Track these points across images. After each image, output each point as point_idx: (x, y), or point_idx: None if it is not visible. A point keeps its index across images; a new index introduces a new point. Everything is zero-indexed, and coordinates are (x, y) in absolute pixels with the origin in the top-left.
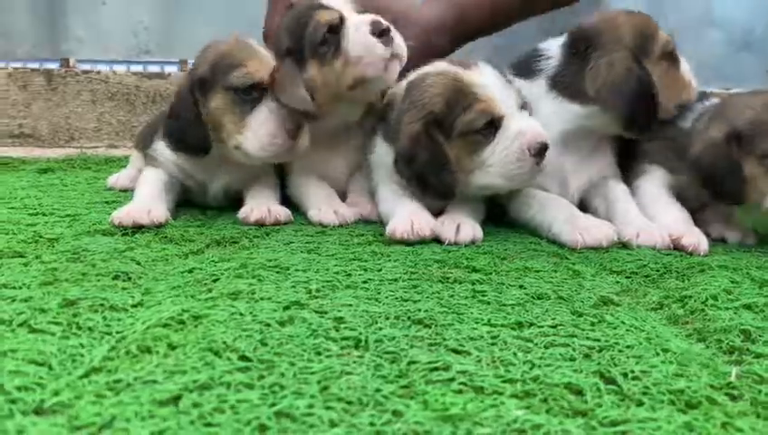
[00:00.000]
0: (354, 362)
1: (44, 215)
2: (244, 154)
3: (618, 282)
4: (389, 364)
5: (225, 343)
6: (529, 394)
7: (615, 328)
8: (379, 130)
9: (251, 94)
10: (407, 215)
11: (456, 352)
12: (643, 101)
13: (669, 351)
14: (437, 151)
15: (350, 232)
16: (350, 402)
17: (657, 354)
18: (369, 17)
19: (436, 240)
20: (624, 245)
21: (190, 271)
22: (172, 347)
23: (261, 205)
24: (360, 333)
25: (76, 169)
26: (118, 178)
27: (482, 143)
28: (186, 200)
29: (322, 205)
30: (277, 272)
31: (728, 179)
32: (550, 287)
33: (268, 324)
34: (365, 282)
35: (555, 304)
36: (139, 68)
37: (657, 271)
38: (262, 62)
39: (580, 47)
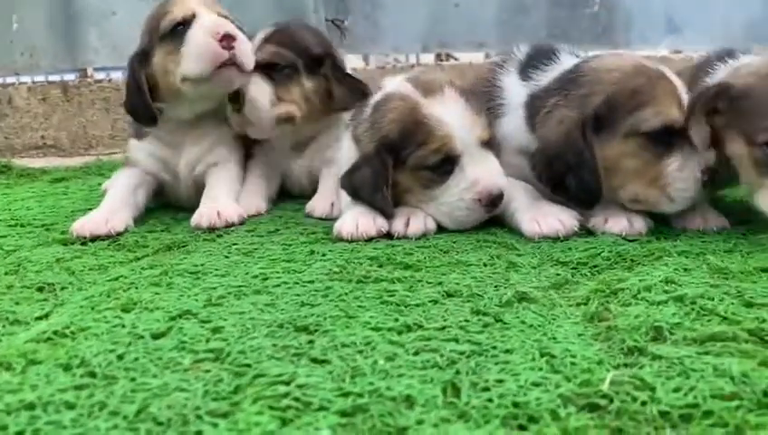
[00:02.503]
0: (196, 378)
1: (21, 226)
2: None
3: (557, 274)
4: (232, 379)
5: (83, 358)
6: (356, 410)
7: (506, 329)
8: (349, 127)
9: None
10: (354, 214)
11: (315, 361)
12: (571, 175)
13: (549, 355)
14: (379, 175)
15: (302, 229)
16: (159, 423)
17: (533, 360)
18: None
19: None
20: (590, 231)
21: (116, 279)
22: (32, 363)
23: (212, 209)
24: (228, 344)
25: (90, 175)
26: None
27: (434, 181)
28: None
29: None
30: (194, 278)
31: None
32: (470, 283)
33: (141, 337)
34: (277, 286)
35: (461, 302)
36: None
37: (608, 259)
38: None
39: (563, 84)
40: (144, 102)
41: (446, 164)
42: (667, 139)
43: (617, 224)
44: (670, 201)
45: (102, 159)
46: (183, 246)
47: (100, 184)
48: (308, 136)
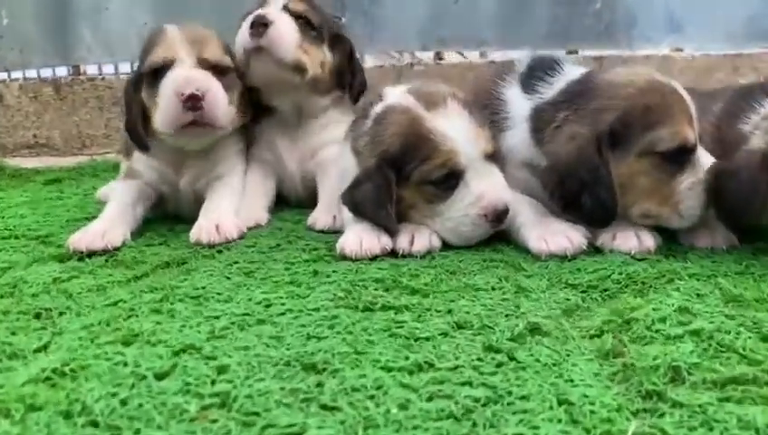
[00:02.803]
0: (204, 430)
1: (16, 238)
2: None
3: (567, 299)
4: (240, 430)
5: (84, 403)
6: None
7: (522, 370)
8: (349, 139)
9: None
10: (358, 231)
11: (326, 408)
12: (586, 194)
13: (567, 402)
14: (382, 191)
15: (305, 245)
16: None
17: (551, 409)
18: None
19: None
20: (597, 249)
21: (115, 304)
22: (32, 409)
23: (211, 223)
24: (235, 387)
25: (85, 177)
26: (107, 191)
27: (439, 196)
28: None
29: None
30: (195, 304)
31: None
32: (480, 311)
33: (144, 377)
34: (282, 314)
35: (472, 335)
36: None
37: (618, 282)
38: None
39: (571, 98)
40: (137, 131)
41: (451, 179)
42: (681, 158)
43: (626, 242)
44: (680, 218)
45: (96, 158)
46: (182, 264)
47: (94, 188)
48: (306, 114)
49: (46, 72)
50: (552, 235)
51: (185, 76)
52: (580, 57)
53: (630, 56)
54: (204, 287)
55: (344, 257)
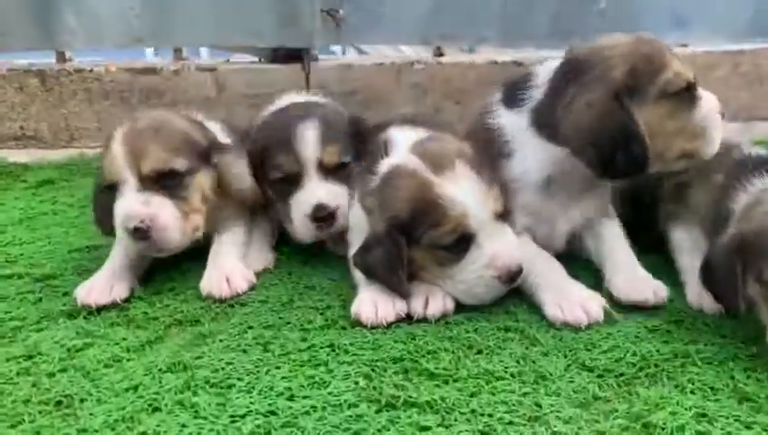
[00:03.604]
0: None
1: (19, 277)
2: None
3: (584, 387)
4: None
5: None
6: None
7: None
8: (356, 192)
9: None
10: (372, 296)
11: None
12: (620, 151)
13: None
14: (393, 257)
15: (318, 302)
16: None
17: None
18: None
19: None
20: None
21: (135, 389)
22: None
23: (220, 275)
24: None
25: (76, 176)
26: None
27: (450, 259)
28: None
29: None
30: (218, 394)
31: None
32: (503, 415)
33: None
34: (306, 413)
35: None
36: (130, 61)
37: (633, 365)
38: None
39: (566, 78)
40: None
41: (462, 243)
42: (691, 94)
43: (638, 293)
44: (712, 145)
45: (87, 152)
46: (195, 323)
47: (88, 194)
48: None
49: (30, 59)
50: (568, 303)
51: (126, 211)
52: None
53: None
54: (223, 368)
55: (359, 323)
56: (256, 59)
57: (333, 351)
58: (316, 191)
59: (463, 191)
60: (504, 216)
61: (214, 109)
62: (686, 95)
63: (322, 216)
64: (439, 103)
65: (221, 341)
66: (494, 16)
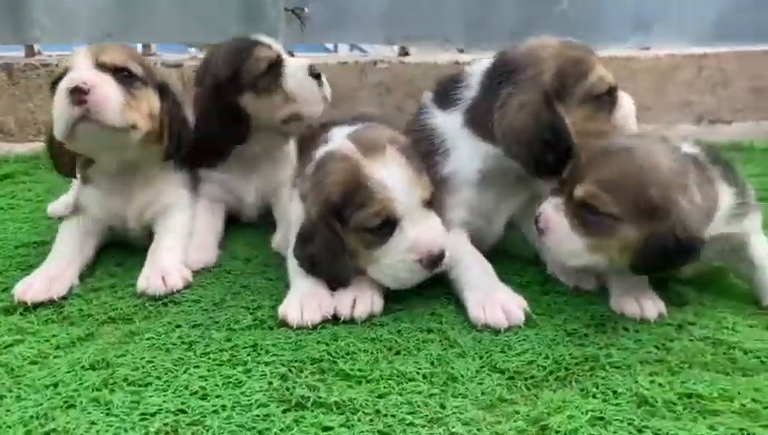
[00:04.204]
0: None
1: None
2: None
3: (493, 390)
4: None
5: None
6: None
7: None
8: (296, 185)
9: None
10: (299, 297)
11: None
12: (550, 150)
13: None
14: (333, 241)
15: (250, 302)
16: None
17: None
18: (306, 60)
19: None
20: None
21: (55, 386)
22: None
23: (157, 273)
24: None
25: (40, 170)
26: (57, 207)
27: (376, 242)
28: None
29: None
30: (134, 393)
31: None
32: (405, 416)
33: None
34: (215, 411)
35: None
36: None
37: (544, 368)
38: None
39: (498, 79)
40: (66, 165)
41: (387, 226)
42: (612, 96)
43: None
44: None
45: None
46: (128, 321)
47: (48, 192)
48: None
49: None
50: (491, 305)
51: (72, 75)
52: None
53: None
54: (144, 367)
55: (285, 324)
56: None
57: (255, 351)
58: None
59: (391, 175)
60: (432, 204)
61: None
62: (607, 99)
63: None
64: (402, 102)
65: (148, 339)
66: (457, 17)
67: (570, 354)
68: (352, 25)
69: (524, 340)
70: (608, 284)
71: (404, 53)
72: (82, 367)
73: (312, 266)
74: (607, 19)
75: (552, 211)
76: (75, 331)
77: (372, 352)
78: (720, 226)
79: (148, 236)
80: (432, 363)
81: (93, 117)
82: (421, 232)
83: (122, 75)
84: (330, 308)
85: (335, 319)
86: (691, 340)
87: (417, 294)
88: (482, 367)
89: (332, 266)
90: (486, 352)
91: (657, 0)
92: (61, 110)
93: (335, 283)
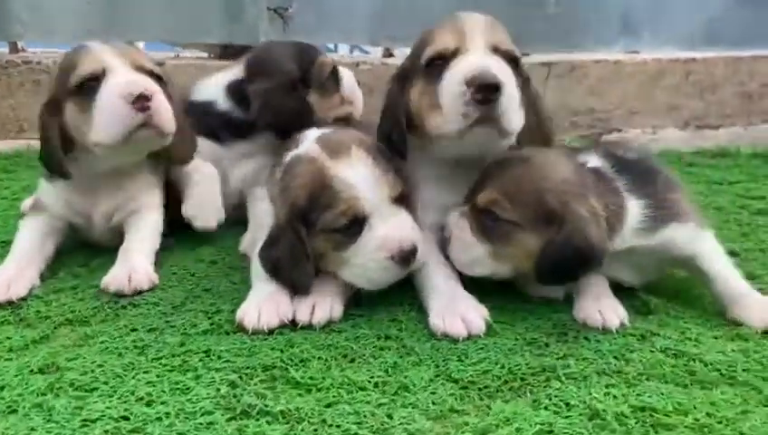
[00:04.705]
0: None
1: None
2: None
3: (444, 399)
4: None
5: None
6: None
7: None
8: (266, 187)
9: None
10: (257, 301)
11: None
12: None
13: None
14: (296, 247)
15: (210, 305)
16: None
17: None
18: (134, 78)
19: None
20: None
21: (0, 390)
22: None
23: (124, 272)
24: None
25: (20, 168)
26: (29, 204)
27: (345, 242)
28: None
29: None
30: (78, 398)
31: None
32: (350, 426)
33: None
34: (158, 418)
35: None
36: None
37: (499, 378)
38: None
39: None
40: (56, 157)
41: (355, 225)
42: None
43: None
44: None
45: (34, 144)
46: (85, 323)
47: (25, 189)
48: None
49: None
50: (452, 314)
51: (128, 78)
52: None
53: (581, 62)
54: (93, 371)
55: (242, 328)
56: (206, 55)
57: (208, 356)
58: None
59: (355, 174)
60: (403, 200)
61: None
62: (437, 67)
63: None
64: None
65: (101, 343)
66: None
67: (527, 364)
68: (336, 25)
69: (482, 349)
70: (573, 292)
71: (388, 54)
72: (31, 371)
73: (275, 270)
74: (594, 22)
75: (456, 219)
76: (30, 333)
77: (326, 360)
78: (629, 237)
79: (114, 236)
80: (386, 371)
81: (155, 123)
82: (390, 228)
83: (155, 79)
84: (288, 313)
85: (293, 324)
86: (652, 351)
87: (380, 300)
88: (436, 376)
89: (293, 272)
90: (443, 361)
91: (646, 3)
92: (118, 115)
93: (295, 289)
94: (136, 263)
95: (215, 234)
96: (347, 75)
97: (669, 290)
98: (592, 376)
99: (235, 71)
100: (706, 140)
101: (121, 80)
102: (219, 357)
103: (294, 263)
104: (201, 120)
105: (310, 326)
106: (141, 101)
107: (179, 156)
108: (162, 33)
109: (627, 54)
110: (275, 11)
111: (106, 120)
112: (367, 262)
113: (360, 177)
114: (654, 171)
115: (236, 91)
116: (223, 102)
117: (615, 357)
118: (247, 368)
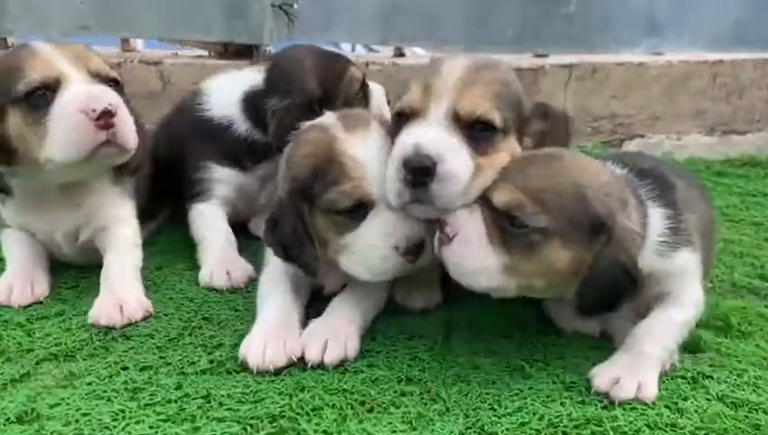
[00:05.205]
0: None
1: None
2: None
3: None
4: None
5: None
6: None
7: None
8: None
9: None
10: (262, 335)
11: None
12: None
13: None
14: (298, 227)
15: (208, 339)
16: None
17: None
18: (95, 91)
19: None
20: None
21: None
22: None
23: (114, 302)
24: None
25: None
26: None
27: (347, 226)
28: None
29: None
30: None
31: None
32: None
33: None
34: None
35: None
36: None
37: (539, 432)
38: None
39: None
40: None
41: (360, 209)
42: None
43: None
44: None
45: None
46: (70, 358)
47: None
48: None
49: None
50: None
51: (89, 92)
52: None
53: (602, 64)
54: (77, 421)
55: (245, 368)
56: (206, 53)
57: (207, 402)
58: None
59: (367, 152)
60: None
61: (158, 103)
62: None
63: None
64: (394, 105)
65: (88, 384)
66: (457, 18)
67: (568, 415)
68: (345, 23)
69: (516, 395)
70: (608, 327)
71: (399, 53)
72: (8, 419)
73: (283, 254)
74: (616, 22)
75: (467, 216)
76: (9, 369)
77: (341, 408)
78: (648, 257)
79: (89, 254)
80: (410, 423)
81: (119, 141)
82: (398, 218)
83: (114, 86)
84: (296, 350)
85: (302, 361)
86: (708, 399)
87: (396, 330)
88: (468, 429)
89: (300, 254)
90: (474, 410)
91: (671, 3)
92: (79, 133)
93: (305, 272)
94: (125, 291)
95: None
96: (377, 91)
97: (711, 319)
98: (644, 430)
99: (252, 77)
100: (733, 147)
101: (81, 93)
102: (220, 404)
103: (299, 245)
104: (220, 145)
105: (321, 364)
106: (105, 118)
107: (133, 165)
108: (159, 30)
109: (651, 56)
110: (280, 7)
111: (64, 137)
112: (369, 249)
113: (372, 155)
114: (669, 183)
115: (253, 106)
116: (242, 123)
117: (667, 407)
118: (252, 418)
